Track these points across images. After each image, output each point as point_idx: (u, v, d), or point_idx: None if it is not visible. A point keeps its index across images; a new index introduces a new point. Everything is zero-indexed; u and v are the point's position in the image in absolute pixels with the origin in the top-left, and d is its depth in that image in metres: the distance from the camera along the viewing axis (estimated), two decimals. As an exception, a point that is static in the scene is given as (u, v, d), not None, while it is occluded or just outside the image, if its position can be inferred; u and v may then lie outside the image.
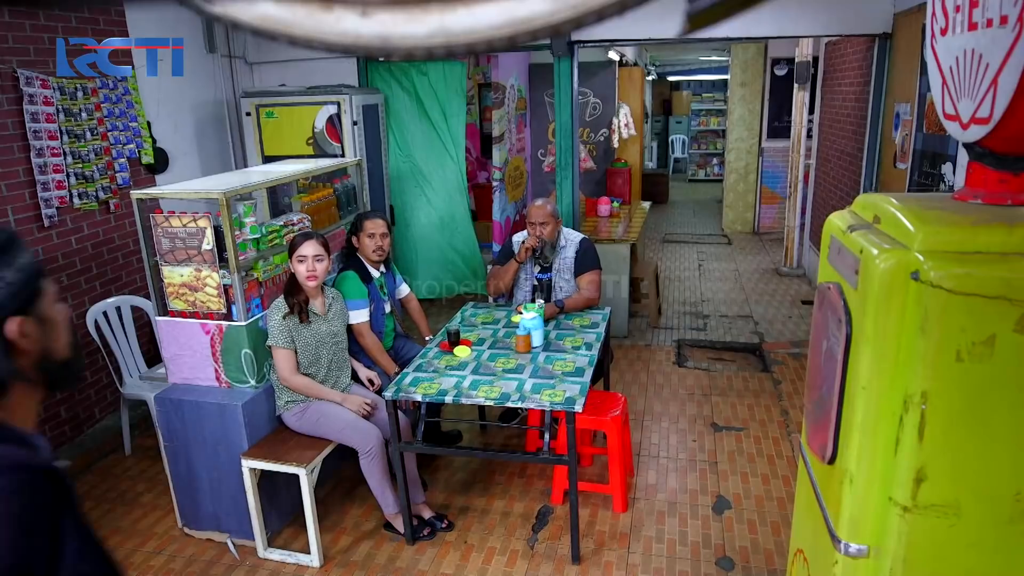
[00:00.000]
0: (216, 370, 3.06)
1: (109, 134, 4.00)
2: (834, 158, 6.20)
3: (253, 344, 3.00)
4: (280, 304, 2.99)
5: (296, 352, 3.00)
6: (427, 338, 3.63)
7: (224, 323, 2.98)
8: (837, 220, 1.70)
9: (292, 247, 2.99)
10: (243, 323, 2.96)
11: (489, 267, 4.35)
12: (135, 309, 3.98)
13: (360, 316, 3.34)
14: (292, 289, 3.01)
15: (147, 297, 3.60)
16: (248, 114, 4.80)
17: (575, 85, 4.98)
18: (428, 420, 3.63)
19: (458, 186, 5.52)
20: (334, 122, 4.70)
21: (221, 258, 2.91)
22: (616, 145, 7.01)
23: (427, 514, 3.20)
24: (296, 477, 2.92)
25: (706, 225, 10.01)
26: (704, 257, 8.14)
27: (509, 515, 3.28)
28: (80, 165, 3.83)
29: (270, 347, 3.00)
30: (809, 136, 7.16)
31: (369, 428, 2.99)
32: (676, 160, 15.15)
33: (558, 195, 5.14)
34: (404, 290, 3.73)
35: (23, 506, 0.89)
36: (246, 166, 4.91)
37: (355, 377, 3.33)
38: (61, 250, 3.79)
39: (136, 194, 2.94)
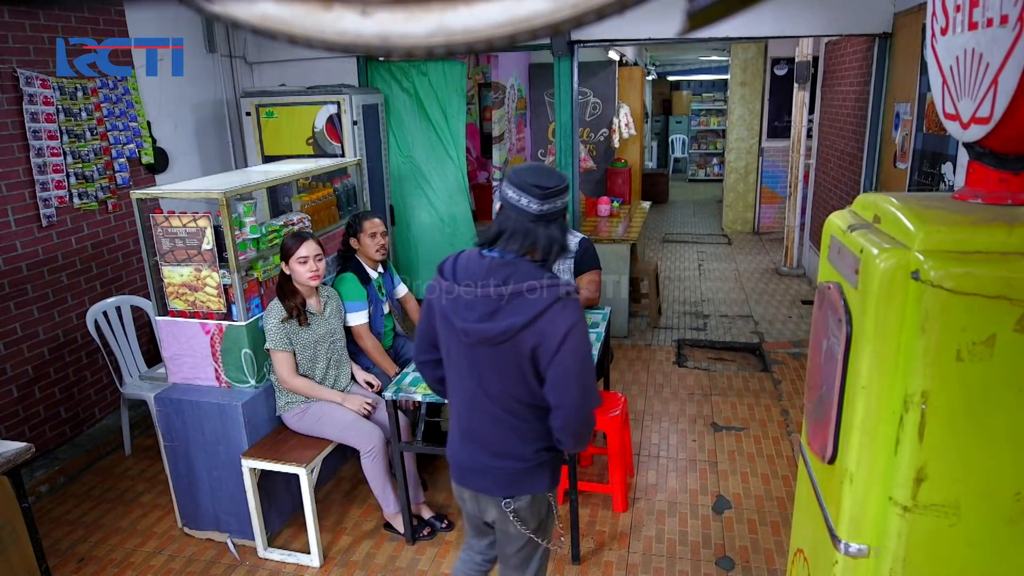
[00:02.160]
0: (216, 370, 3.06)
1: (109, 134, 4.00)
2: (834, 158, 6.20)
3: (253, 344, 3.00)
4: (277, 308, 2.95)
5: (295, 353, 2.99)
6: (427, 338, 3.62)
7: (224, 323, 2.98)
8: (837, 220, 1.70)
9: (286, 250, 2.93)
10: (243, 323, 2.96)
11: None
12: (135, 309, 3.98)
13: (359, 318, 3.33)
14: (287, 292, 2.96)
15: (147, 297, 3.60)
16: (248, 114, 4.80)
17: (575, 85, 4.98)
18: (428, 420, 3.62)
19: (458, 186, 5.51)
20: (334, 122, 4.69)
21: (221, 258, 2.90)
22: (616, 145, 7.01)
23: (427, 514, 3.20)
24: (296, 477, 2.92)
25: (706, 225, 10.02)
26: (704, 257, 8.14)
27: (509, 515, 3.28)
28: (80, 165, 3.83)
29: (268, 350, 3.00)
30: (809, 136, 7.15)
31: (371, 428, 2.99)
32: (676, 160, 15.16)
33: (558, 195, 5.13)
34: (402, 290, 3.73)
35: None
36: (246, 166, 4.91)
37: (354, 378, 3.33)
38: (61, 250, 3.79)
39: (136, 194, 2.93)
